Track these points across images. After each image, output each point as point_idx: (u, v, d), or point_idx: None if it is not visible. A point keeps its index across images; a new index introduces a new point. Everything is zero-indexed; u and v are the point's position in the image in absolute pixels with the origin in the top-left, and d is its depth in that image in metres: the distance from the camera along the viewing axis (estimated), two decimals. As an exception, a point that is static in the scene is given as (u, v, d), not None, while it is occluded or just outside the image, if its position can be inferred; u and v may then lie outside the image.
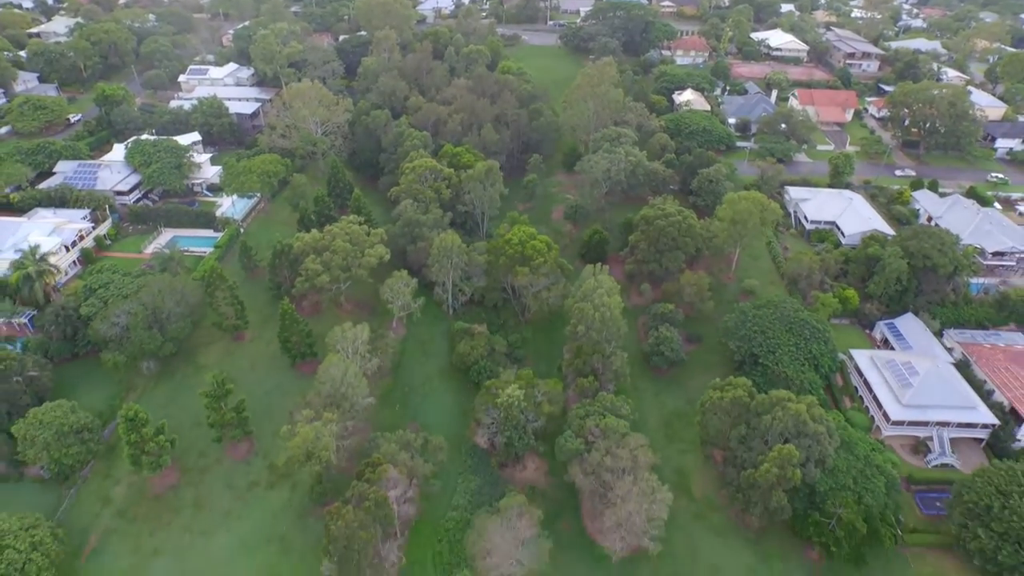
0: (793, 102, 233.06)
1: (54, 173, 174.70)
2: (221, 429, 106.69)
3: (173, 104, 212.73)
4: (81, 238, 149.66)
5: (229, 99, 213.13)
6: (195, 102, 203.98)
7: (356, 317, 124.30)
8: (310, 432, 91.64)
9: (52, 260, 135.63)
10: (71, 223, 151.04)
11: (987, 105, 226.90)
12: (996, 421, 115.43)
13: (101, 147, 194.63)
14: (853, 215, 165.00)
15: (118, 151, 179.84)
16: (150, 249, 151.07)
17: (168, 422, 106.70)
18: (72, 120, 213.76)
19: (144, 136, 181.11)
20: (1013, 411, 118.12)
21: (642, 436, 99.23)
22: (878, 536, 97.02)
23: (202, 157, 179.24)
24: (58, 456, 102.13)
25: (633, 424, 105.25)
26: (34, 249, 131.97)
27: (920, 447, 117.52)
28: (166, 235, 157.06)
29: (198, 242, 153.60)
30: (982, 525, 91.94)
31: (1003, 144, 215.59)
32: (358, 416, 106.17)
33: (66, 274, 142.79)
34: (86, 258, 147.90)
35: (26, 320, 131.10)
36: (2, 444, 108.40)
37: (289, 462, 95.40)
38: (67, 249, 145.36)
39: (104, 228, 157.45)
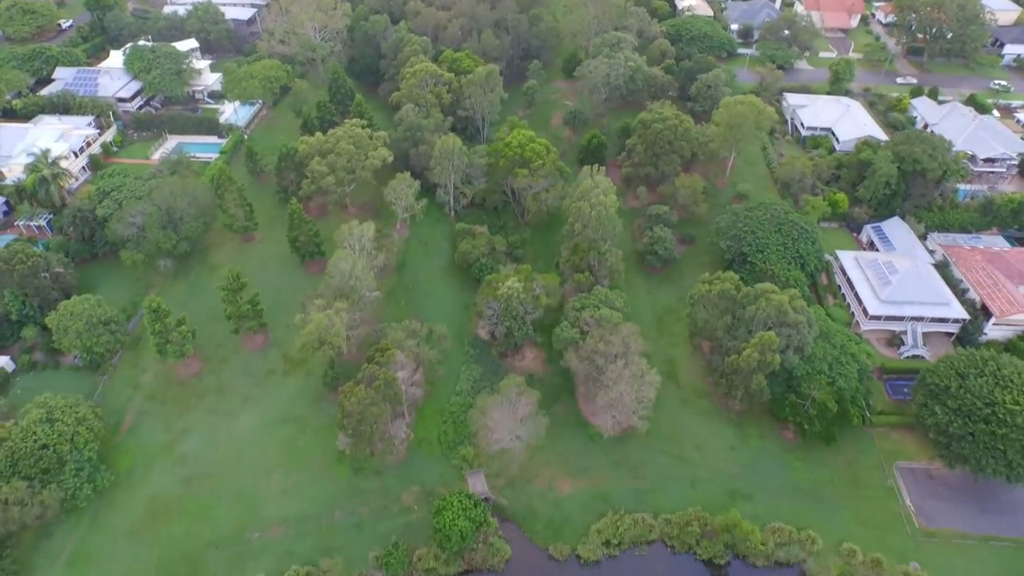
0: (798, 7, 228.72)
1: (53, 80, 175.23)
2: (238, 321, 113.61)
3: (167, 10, 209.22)
4: (88, 144, 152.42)
5: (225, 4, 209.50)
6: (190, 7, 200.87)
7: (361, 219, 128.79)
8: (322, 319, 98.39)
9: (63, 165, 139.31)
10: (76, 129, 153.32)
11: (999, 8, 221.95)
12: (966, 316, 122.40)
13: (97, 54, 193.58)
14: (849, 121, 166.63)
15: (115, 58, 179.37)
16: (157, 155, 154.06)
17: (187, 316, 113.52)
18: (63, 26, 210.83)
19: (140, 42, 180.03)
20: (984, 307, 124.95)
21: (634, 325, 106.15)
22: (847, 416, 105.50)
23: (202, 64, 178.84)
24: (90, 344, 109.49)
25: (626, 317, 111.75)
26: (45, 153, 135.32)
27: (895, 341, 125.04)
28: (171, 142, 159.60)
29: (203, 148, 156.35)
30: (939, 403, 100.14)
31: (1011, 50, 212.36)
32: (366, 309, 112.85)
33: (77, 180, 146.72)
34: (95, 165, 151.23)
35: (44, 223, 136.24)
36: (38, 336, 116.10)
37: (303, 348, 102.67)
38: (75, 155, 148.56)
39: (110, 135, 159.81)
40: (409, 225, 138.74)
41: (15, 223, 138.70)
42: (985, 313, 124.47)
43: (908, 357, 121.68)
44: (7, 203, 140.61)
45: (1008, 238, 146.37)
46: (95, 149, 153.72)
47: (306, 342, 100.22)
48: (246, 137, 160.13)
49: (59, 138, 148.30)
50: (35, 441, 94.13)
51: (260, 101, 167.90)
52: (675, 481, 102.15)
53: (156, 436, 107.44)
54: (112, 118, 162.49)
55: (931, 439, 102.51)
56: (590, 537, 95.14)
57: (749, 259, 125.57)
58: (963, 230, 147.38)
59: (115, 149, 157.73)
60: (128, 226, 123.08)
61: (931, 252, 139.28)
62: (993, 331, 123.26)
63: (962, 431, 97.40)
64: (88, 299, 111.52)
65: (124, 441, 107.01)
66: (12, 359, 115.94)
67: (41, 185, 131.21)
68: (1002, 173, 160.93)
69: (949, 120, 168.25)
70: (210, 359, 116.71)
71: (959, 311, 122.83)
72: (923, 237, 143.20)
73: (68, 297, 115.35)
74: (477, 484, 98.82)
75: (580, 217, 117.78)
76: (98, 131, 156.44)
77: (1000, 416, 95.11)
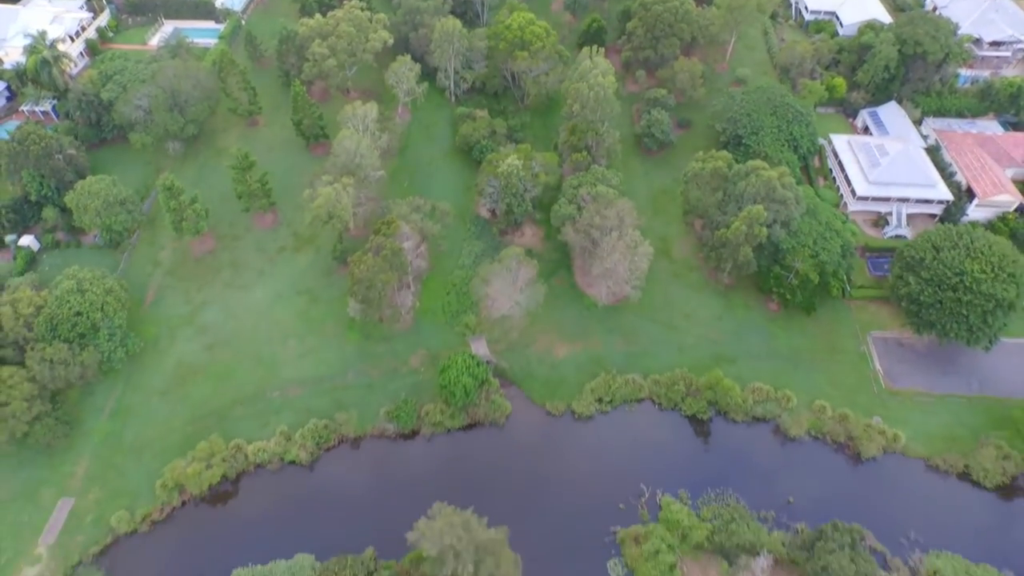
0: None
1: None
2: (248, 200, 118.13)
3: None
4: (83, 28, 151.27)
5: None
6: None
7: (363, 102, 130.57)
8: (330, 193, 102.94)
9: (60, 48, 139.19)
10: (69, 12, 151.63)
11: None
12: (950, 197, 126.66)
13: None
14: (854, 5, 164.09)
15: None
16: (154, 40, 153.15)
17: (199, 195, 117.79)
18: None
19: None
20: (968, 189, 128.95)
21: (629, 201, 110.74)
22: (828, 288, 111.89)
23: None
24: (108, 223, 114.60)
25: (621, 196, 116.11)
26: (42, 34, 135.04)
27: (880, 221, 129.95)
28: (168, 27, 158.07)
29: (201, 33, 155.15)
30: (914, 274, 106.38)
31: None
32: (370, 188, 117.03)
33: (76, 65, 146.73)
34: (92, 50, 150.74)
35: (50, 108, 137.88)
36: (58, 217, 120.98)
37: (312, 222, 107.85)
38: (71, 39, 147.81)
39: (104, 19, 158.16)
40: (410, 110, 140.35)
41: (20, 108, 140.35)
42: (969, 195, 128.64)
43: (891, 237, 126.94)
44: (9, 89, 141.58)
45: (1004, 123, 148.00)
46: (91, 33, 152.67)
47: (315, 216, 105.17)
48: (243, 22, 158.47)
49: (52, 21, 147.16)
50: (69, 308, 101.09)
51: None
52: (664, 346, 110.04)
53: (178, 308, 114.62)
54: (104, 1, 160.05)
55: (903, 308, 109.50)
56: (584, 395, 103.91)
57: (744, 141, 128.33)
58: (959, 115, 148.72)
59: (111, 34, 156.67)
60: (134, 109, 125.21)
61: (924, 137, 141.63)
62: (975, 212, 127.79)
63: (932, 299, 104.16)
64: (103, 179, 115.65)
65: (148, 313, 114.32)
66: (36, 238, 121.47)
67: (43, 67, 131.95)
68: (1007, 57, 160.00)
69: (960, 2, 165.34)
70: (223, 237, 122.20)
71: (944, 192, 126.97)
72: (918, 122, 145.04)
73: (82, 179, 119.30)
74: (479, 348, 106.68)
75: (578, 98, 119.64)
76: (91, 14, 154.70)
77: (967, 284, 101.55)
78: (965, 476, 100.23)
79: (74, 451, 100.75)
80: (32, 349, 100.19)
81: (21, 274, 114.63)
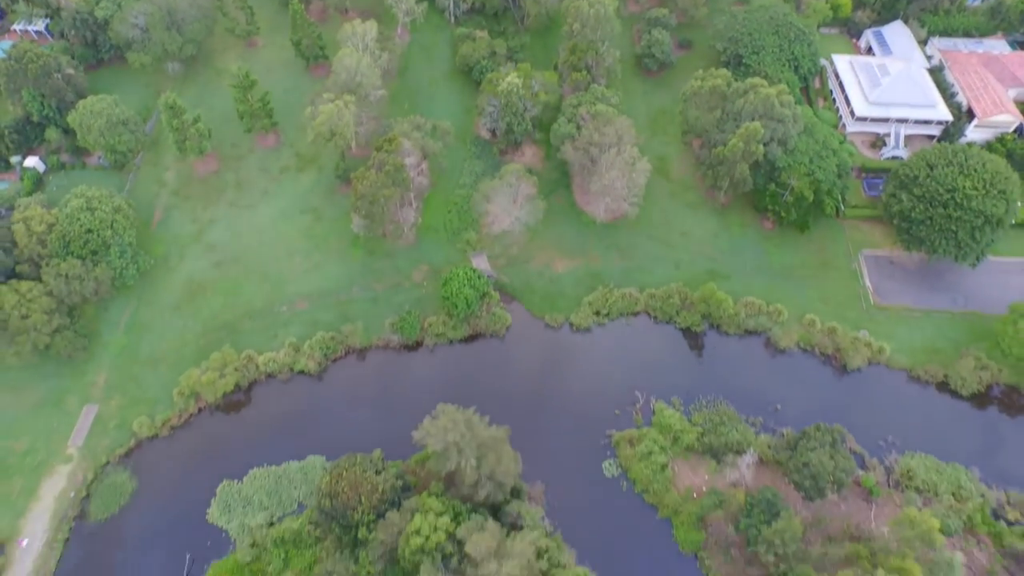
0: None
1: None
2: (250, 120, 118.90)
3: None
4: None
5: None
6: None
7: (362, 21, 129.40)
8: (332, 109, 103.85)
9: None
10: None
11: None
12: (950, 118, 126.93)
13: None
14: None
15: None
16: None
17: (201, 115, 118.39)
18: None
19: None
20: (969, 110, 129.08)
21: (628, 119, 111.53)
22: (822, 206, 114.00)
23: None
24: (112, 143, 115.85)
25: (621, 114, 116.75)
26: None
27: (878, 143, 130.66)
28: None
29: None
30: (907, 191, 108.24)
31: None
32: (371, 107, 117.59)
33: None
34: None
35: (43, 28, 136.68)
36: (61, 138, 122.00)
37: (315, 140, 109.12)
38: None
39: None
40: (410, 31, 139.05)
41: (12, 28, 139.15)
42: (969, 116, 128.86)
43: (888, 158, 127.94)
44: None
45: (1012, 43, 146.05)
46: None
47: (317, 133, 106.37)
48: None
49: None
50: (80, 226, 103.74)
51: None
52: (661, 262, 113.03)
53: (185, 227, 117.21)
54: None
55: (895, 226, 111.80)
56: (582, 308, 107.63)
57: (744, 61, 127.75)
58: (967, 35, 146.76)
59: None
60: (131, 27, 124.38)
61: (928, 57, 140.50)
62: (973, 133, 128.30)
63: (922, 216, 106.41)
64: (105, 98, 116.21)
65: (156, 232, 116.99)
66: (41, 160, 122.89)
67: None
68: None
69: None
70: (227, 157, 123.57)
71: (944, 113, 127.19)
72: (924, 42, 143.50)
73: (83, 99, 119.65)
74: (480, 264, 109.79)
75: (578, 16, 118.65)
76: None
77: (958, 201, 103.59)
78: (944, 386, 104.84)
79: (94, 362, 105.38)
80: (47, 265, 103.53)
81: (29, 195, 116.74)
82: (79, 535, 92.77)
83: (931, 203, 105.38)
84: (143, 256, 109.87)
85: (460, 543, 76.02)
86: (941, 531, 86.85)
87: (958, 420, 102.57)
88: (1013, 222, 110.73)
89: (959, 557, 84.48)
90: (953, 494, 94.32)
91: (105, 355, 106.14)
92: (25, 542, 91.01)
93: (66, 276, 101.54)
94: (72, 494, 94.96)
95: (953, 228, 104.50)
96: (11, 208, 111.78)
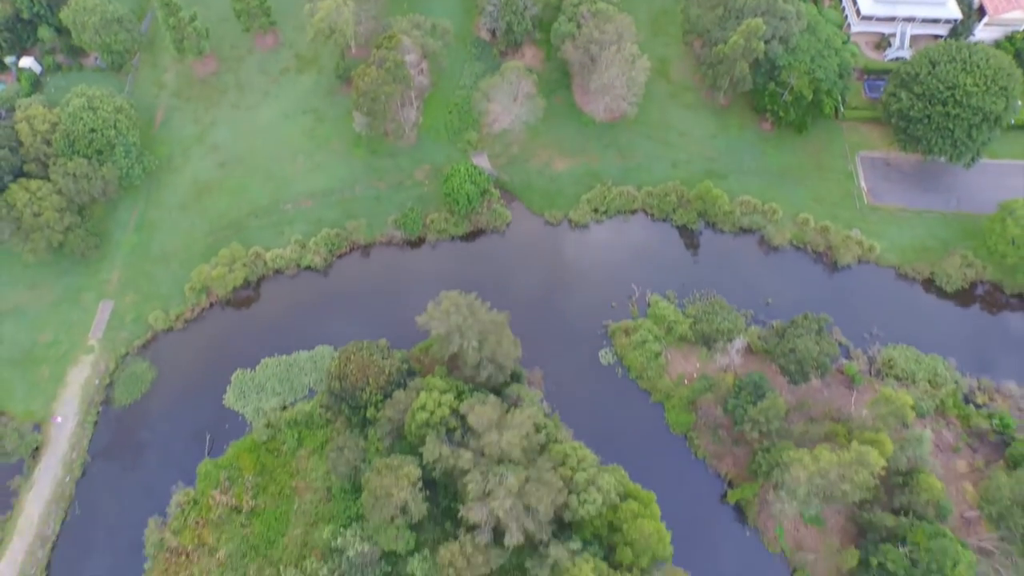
0: None
1: None
2: (248, 19, 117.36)
3: None
4: None
5: None
6: None
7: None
8: (331, 5, 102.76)
9: None
10: None
11: None
12: (959, 16, 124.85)
13: None
14: None
15: None
16: None
17: (198, 13, 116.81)
18: None
19: None
20: (980, 8, 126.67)
21: (628, 16, 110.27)
22: (821, 106, 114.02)
23: None
24: (108, 42, 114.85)
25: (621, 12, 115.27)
26: None
27: (882, 43, 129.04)
28: None
29: None
30: (907, 90, 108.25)
31: None
32: (371, 6, 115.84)
33: None
34: None
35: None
36: (56, 38, 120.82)
37: (315, 38, 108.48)
38: None
39: None
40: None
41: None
42: (980, 14, 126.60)
43: (892, 59, 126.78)
44: None
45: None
46: None
47: (317, 31, 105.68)
48: None
49: None
50: (84, 125, 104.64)
51: None
52: (658, 161, 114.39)
53: (187, 129, 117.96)
54: None
55: (893, 125, 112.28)
56: (580, 205, 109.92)
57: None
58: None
59: None
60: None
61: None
62: (983, 32, 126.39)
63: (921, 114, 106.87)
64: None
65: (159, 134, 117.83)
66: (37, 60, 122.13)
67: None
68: None
69: None
70: (226, 59, 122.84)
71: (953, 11, 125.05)
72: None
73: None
74: (481, 163, 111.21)
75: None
76: None
77: (957, 98, 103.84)
78: (929, 283, 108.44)
79: (107, 261, 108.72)
80: (54, 164, 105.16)
81: (28, 96, 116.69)
82: (107, 418, 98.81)
83: (930, 101, 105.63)
84: (148, 157, 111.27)
85: (463, 418, 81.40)
86: (914, 411, 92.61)
87: (940, 315, 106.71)
88: (1012, 121, 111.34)
89: (928, 434, 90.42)
90: (929, 381, 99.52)
91: (117, 253, 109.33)
92: (59, 419, 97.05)
93: (74, 175, 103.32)
94: (97, 382, 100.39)
95: (950, 126, 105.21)
96: (12, 109, 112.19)
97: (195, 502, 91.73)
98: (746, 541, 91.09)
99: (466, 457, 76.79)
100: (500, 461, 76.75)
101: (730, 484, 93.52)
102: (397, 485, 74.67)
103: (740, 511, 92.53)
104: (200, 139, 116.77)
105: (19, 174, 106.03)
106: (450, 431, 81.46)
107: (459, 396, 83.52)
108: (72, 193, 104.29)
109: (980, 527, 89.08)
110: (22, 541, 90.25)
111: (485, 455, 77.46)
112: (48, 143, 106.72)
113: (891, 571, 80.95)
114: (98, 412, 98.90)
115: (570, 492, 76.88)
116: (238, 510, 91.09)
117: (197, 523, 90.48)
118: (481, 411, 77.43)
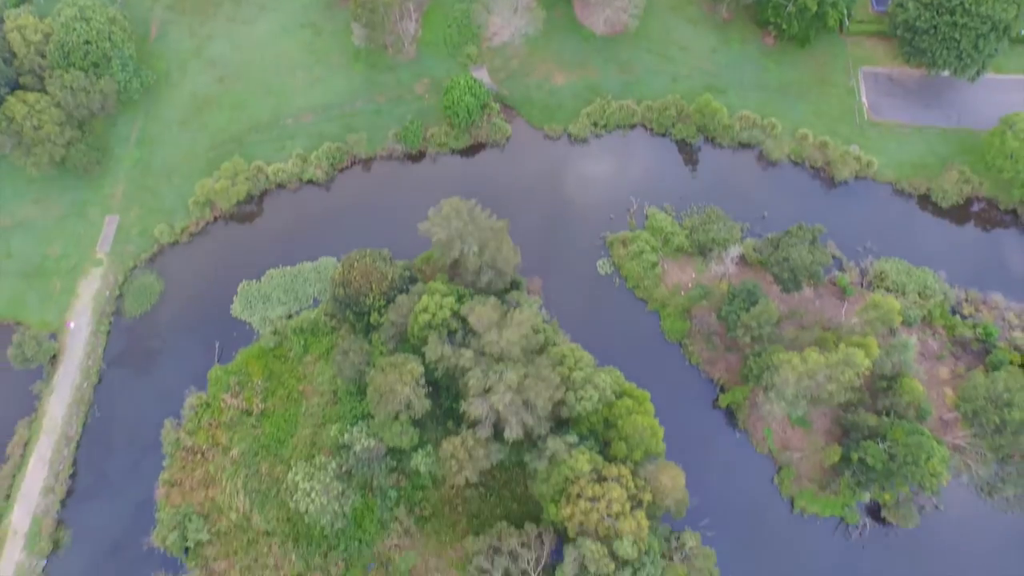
0: None
1: None
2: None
3: None
4: None
5: None
6: None
7: None
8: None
9: None
10: None
11: None
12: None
13: None
14: None
15: None
16: None
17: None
18: None
19: None
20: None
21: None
22: (825, 18, 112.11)
23: None
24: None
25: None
26: None
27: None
28: None
29: None
30: (914, 0, 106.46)
31: None
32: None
33: None
34: None
35: None
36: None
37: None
38: None
39: None
40: None
41: None
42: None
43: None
44: None
45: None
46: None
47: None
48: None
49: None
50: (77, 36, 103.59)
51: None
52: (658, 76, 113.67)
53: (183, 43, 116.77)
54: None
55: (898, 37, 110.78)
56: (580, 119, 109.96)
57: None
58: None
59: None
60: None
61: None
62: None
63: (927, 25, 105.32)
64: None
65: (155, 48, 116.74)
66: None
67: None
68: None
69: None
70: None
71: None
72: None
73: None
74: (481, 77, 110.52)
75: None
76: None
77: (966, 7, 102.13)
78: (925, 198, 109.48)
79: (109, 176, 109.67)
80: (51, 76, 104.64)
81: (16, 6, 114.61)
82: (119, 328, 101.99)
83: (938, 11, 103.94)
84: (145, 71, 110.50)
85: (464, 320, 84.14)
86: (902, 320, 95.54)
87: (934, 230, 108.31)
88: (1022, 32, 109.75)
89: (913, 340, 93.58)
90: (919, 293, 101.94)
91: (119, 169, 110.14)
92: (72, 324, 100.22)
93: (71, 88, 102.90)
94: (107, 293, 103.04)
95: (957, 37, 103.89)
96: (0, 20, 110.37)
97: (207, 405, 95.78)
98: (736, 442, 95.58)
99: (467, 356, 79.92)
100: (500, 360, 79.86)
101: (722, 389, 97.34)
102: (401, 381, 78.05)
103: (731, 414, 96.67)
104: (197, 53, 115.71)
105: (15, 87, 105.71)
106: (451, 333, 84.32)
107: (460, 300, 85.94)
108: (71, 107, 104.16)
109: (956, 428, 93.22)
110: (49, 440, 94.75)
111: (485, 354, 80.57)
112: (42, 55, 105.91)
113: (870, 465, 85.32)
114: (110, 322, 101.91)
115: (567, 390, 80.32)
116: (248, 412, 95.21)
117: (210, 425, 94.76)
118: (481, 311, 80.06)
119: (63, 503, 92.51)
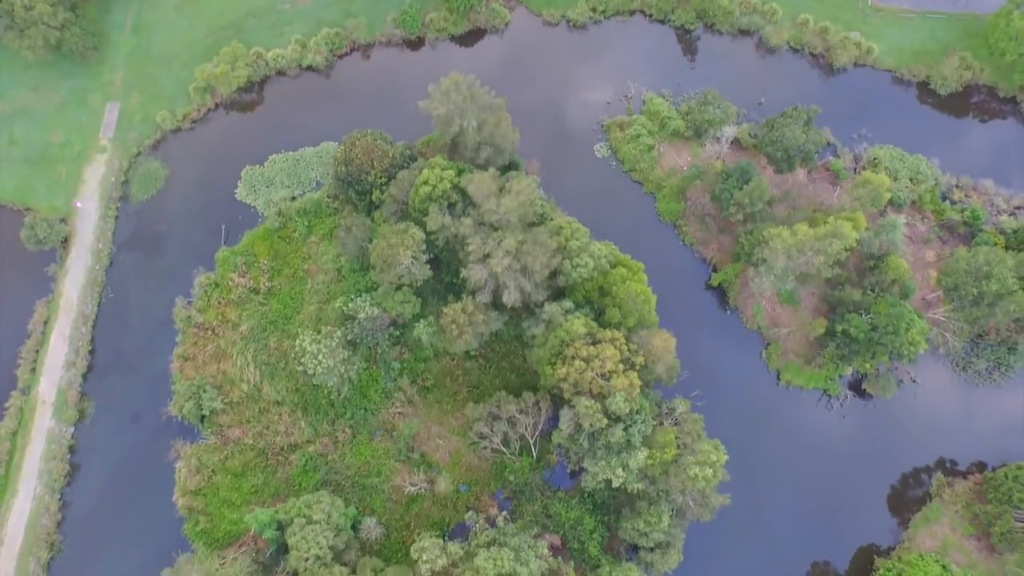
0: None
1: None
2: None
3: None
4: None
5: None
6: None
7: None
8: None
9: None
10: None
11: None
12: None
13: None
14: None
15: None
16: None
17: None
18: None
19: None
20: None
21: None
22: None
23: None
24: None
25: None
26: None
27: None
28: None
29: None
30: None
31: None
32: None
33: None
34: None
35: None
36: None
37: None
38: None
39: None
40: None
41: None
42: None
43: None
44: None
45: None
46: None
47: None
48: None
49: None
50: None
51: None
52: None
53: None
54: None
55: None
56: (579, 4, 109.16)
57: None
58: None
59: None
60: None
61: None
62: None
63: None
64: None
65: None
66: None
67: None
68: None
69: None
70: None
71: None
72: None
73: None
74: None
75: None
76: None
77: None
78: (924, 86, 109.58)
79: (107, 63, 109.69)
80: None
81: None
82: (126, 213, 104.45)
83: None
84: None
85: (463, 193, 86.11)
86: (891, 199, 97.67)
87: (931, 117, 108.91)
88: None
89: (900, 220, 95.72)
90: (911, 179, 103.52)
91: (117, 56, 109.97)
92: (79, 204, 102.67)
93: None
94: (113, 179, 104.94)
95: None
96: None
97: (216, 285, 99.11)
98: (726, 319, 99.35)
99: (467, 223, 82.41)
100: (498, 228, 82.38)
101: (714, 269, 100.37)
102: (403, 245, 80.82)
103: (722, 294, 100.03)
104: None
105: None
106: (451, 205, 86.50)
107: (460, 174, 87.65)
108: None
109: (938, 307, 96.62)
110: (67, 318, 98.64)
111: (485, 223, 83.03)
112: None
113: (853, 336, 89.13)
114: (117, 207, 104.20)
115: (564, 258, 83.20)
116: (256, 291, 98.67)
117: (219, 303, 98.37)
118: (481, 179, 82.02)
119: (85, 377, 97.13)
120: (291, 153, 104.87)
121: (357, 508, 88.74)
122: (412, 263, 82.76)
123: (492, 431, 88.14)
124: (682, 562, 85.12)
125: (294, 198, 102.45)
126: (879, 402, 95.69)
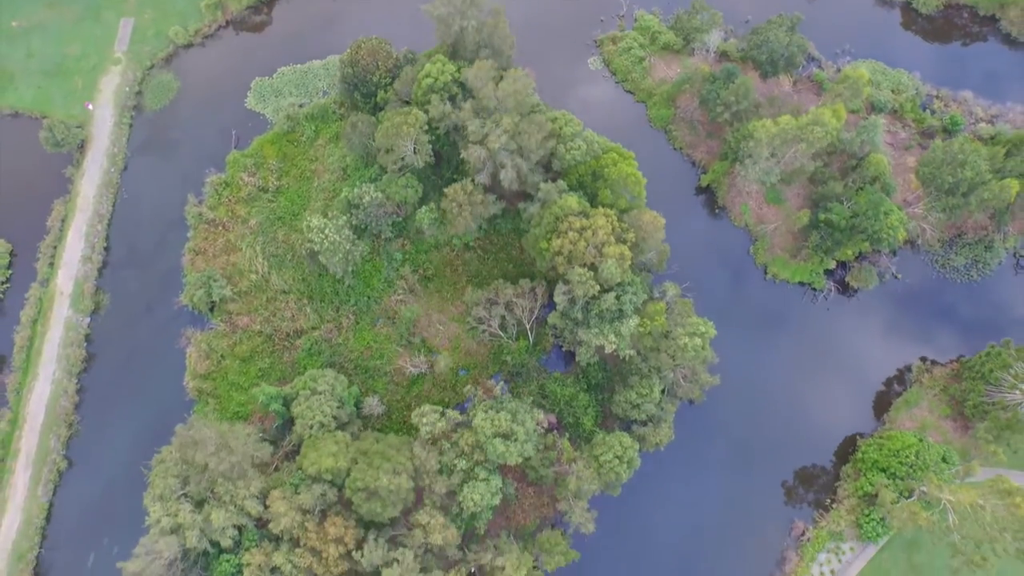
0: None
1: None
2: None
3: None
4: None
5: None
6: None
7: None
8: None
9: None
10: None
11: None
12: None
13: None
14: None
15: None
16: None
17: None
18: None
19: None
20: None
21: None
22: None
23: None
24: None
25: None
26: None
27: None
28: None
29: None
30: None
31: None
32: None
33: None
34: None
35: None
36: None
37: None
38: None
39: None
40: None
41: None
42: None
43: None
44: None
45: None
46: None
47: None
48: None
49: None
50: None
51: None
52: None
53: None
54: None
55: None
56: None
57: None
58: None
59: None
60: None
61: None
62: None
63: None
64: None
65: None
66: None
67: None
68: None
69: None
70: None
71: None
72: None
73: None
74: None
75: None
76: None
77: None
78: (907, 5, 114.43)
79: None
80: None
81: None
82: (140, 121, 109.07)
83: None
84: None
85: (463, 86, 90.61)
86: (873, 106, 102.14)
87: (913, 34, 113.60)
88: None
89: (881, 120, 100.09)
90: (892, 90, 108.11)
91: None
92: (91, 105, 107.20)
93: None
94: (127, 88, 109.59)
95: None
96: None
97: (226, 184, 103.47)
98: (715, 218, 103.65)
99: (466, 109, 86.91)
100: (495, 112, 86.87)
101: (703, 172, 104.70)
102: (407, 123, 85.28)
103: (711, 195, 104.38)
104: None
105: None
106: (452, 97, 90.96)
107: (460, 71, 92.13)
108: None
109: (918, 206, 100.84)
110: (83, 216, 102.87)
111: (483, 109, 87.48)
112: None
113: (835, 224, 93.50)
114: (131, 116, 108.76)
115: (558, 142, 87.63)
116: (264, 189, 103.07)
117: (229, 200, 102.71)
118: (479, 67, 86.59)
119: (100, 272, 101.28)
120: (299, 65, 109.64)
121: (360, 389, 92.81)
122: (415, 148, 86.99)
123: (490, 315, 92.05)
124: (672, 443, 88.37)
125: (302, 105, 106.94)
126: (863, 295, 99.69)
